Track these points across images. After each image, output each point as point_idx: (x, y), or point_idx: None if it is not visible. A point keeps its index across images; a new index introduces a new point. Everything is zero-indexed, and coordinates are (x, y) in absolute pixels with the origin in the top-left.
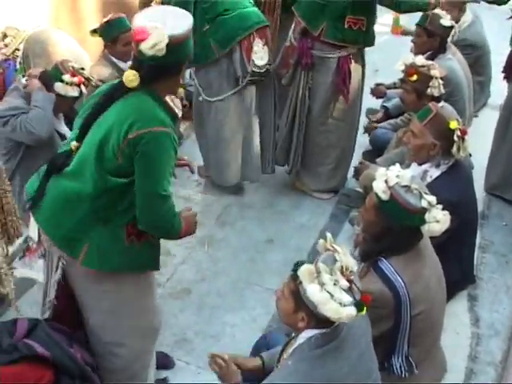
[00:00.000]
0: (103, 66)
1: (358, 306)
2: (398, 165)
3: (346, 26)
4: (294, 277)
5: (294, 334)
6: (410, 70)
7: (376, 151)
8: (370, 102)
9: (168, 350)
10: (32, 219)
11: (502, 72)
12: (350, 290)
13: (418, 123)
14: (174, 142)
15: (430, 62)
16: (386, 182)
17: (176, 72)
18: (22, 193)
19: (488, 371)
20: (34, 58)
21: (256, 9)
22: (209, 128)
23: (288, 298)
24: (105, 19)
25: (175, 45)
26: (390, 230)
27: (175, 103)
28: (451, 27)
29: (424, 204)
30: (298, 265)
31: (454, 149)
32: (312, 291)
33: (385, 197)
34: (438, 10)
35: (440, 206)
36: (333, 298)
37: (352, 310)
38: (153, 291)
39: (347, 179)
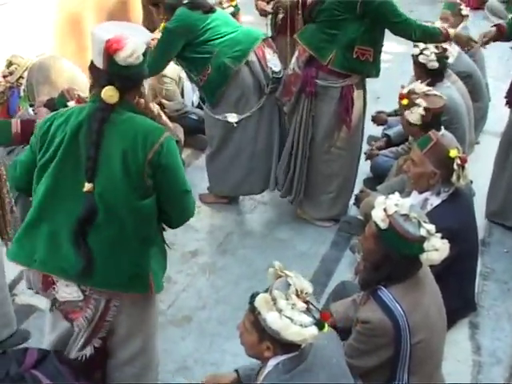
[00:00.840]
0: None
1: (319, 324)
2: (397, 193)
3: (354, 56)
4: (252, 308)
5: (262, 364)
6: (402, 94)
7: (377, 179)
8: (371, 129)
9: (169, 377)
10: (63, 281)
11: (505, 98)
12: (308, 311)
13: (418, 151)
14: (174, 139)
15: (430, 92)
16: (385, 210)
17: (142, 79)
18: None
19: None
20: (38, 86)
21: None
22: (231, 146)
23: (250, 330)
24: None
25: (145, 52)
26: (388, 259)
27: (177, 130)
28: (440, 56)
29: (423, 233)
30: (253, 296)
31: (454, 177)
32: (272, 319)
33: (383, 225)
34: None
35: (439, 235)
36: (293, 322)
37: (314, 330)
38: None
39: (348, 207)
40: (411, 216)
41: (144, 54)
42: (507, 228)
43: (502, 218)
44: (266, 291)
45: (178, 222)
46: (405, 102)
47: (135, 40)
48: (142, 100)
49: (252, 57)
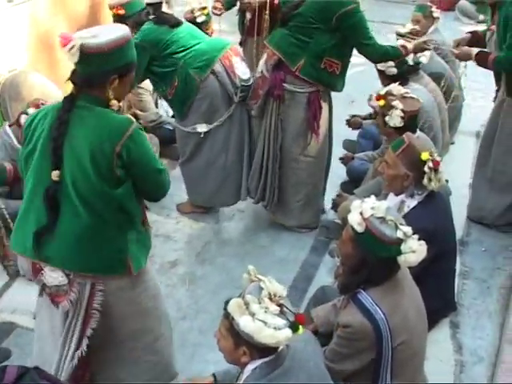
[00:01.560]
0: None
1: (293, 326)
2: (373, 196)
3: (322, 67)
4: (226, 314)
5: (241, 370)
6: (378, 95)
7: (353, 182)
8: (346, 133)
9: None
10: (48, 267)
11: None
12: (282, 314)
13: (391, 153)
14: (141, 127)
15: (407, 95)
16: (361, 213)
17: (101, 81)
18: None
19: None
20: (10, 102)
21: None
22: (203, 157)
23: (226, 335)
24: None
25: (90, 53)
26: (366, 262)
27: (153, 140)
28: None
29: (399, 235)
30: (227, 302)
31: (425, 180)
32: (245, 323)
33: (360, 229)
34: None
35: (416, 236)
36: (266, 325)
37: (287, 332)
38: None
39: (325, 213)
40: (387, 219)
41: (85, 55)
42: (485, 226)
43: (482, 216)
44: (239, 296)
45: (155, 198)
46: (381, 102)
47: (77, 39)
48: (114, 101)
49: (218, 67)
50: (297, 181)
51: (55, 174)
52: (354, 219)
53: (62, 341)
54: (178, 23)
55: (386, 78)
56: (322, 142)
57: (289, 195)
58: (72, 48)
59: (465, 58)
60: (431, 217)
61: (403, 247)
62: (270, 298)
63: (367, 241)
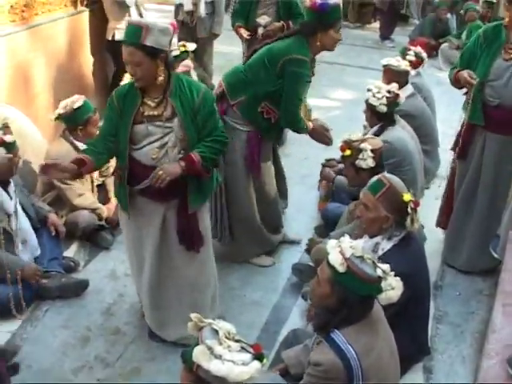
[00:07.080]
0: (62, 143)
1: (259, 358)
2: (347, 236)
3: (259, 110)
4: (189, 366)
5: None
6: (342, 146)
7: (328, 226)
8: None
9: None
10: None
11: (451, 149)
12: (243, 349)
13: (370, 196)
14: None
15: (366, 136)
16: (342, 253)
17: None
18: None
19: None
20: None
21: None
22: None
23: None
24: (71, 106)
25: None
26: (346, 302)
27: None
28: (391, 98)
29: (379, 273)
30: (184, 355)
31: (408, 221)
32: (216, 367)
33: (342, 269)
34: (379, 83)
35: (392, 273)
36: (235, 363)
37: (257, 364)
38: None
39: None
40: (366, 257)
41: None
42: (458, 271)
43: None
44: (195, 345)
45: None
46: (348, 152)
47: None
48: None
49: None
50: (240, 216)
51: None
52: (335, 259)
53: None
54: None
55: (376, 117)
56: (265, 181)
57: (236, 230)
58: None
59: None
60: (406, 260)
61: (383, 285)
62: (227, 337)
63: (348, 280)
